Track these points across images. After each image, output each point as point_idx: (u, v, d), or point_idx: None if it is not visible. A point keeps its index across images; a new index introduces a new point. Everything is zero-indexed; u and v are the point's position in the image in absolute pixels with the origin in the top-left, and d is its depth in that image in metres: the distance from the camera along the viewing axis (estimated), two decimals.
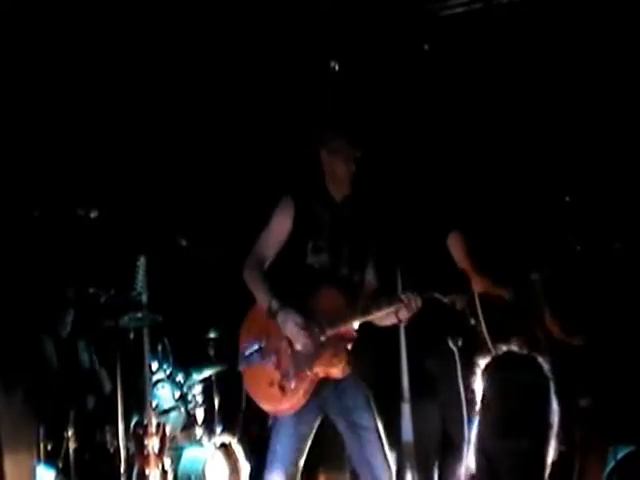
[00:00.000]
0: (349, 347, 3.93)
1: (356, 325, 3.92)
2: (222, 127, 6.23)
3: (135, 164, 6.14)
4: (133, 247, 5.58)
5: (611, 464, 4.65)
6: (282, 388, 3.83)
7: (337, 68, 6.42)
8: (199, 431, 5.60)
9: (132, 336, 5.60)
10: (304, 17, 5.92)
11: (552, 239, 5.13)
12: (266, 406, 3.93)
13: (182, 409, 5.63)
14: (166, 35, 5.76)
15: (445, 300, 3.82)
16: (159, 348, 5.75)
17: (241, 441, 5.61)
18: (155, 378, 5.62)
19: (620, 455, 4.65)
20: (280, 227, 4.03)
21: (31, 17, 5.30)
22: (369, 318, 3.90)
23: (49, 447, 5.23)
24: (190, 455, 5.46)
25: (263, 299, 3.93)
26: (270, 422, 4.01)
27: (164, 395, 5.61)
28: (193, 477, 5.32)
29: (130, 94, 5.96)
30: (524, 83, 5.90)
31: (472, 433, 4.57)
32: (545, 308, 5.00)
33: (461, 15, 6.05)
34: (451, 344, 4.65)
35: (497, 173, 5.76)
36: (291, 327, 3.83)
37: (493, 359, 4.65)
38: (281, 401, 3.85)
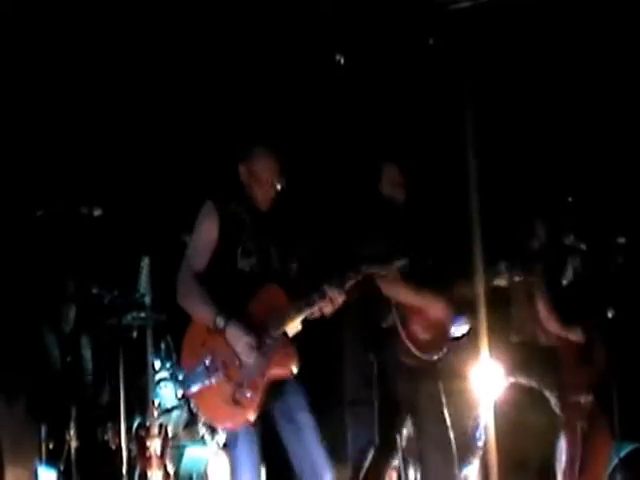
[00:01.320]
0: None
1: (299, 323, 3.90)
2: (227, 127, 6.28)
3: (138, 163, 6.20)
4: (136, 247, 5.65)
5: (614, 461, 4.69)
6: (237, 402, 3.79)
7: (342, 62, 6.47)
8: (201, 430, 5.66)
9: (135, 335, 5.67)
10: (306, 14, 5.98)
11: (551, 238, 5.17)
12: (226, 424, 3.92)
13: (185, 408, 5.70)
14: (168, 37, 5.82)
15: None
16: (162, 346, 5.82)
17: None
18: (158, 377, 5.71)
19: (624, 452, 4.69)
20: (208, 235, 3.96)
21: (31, 17, 5.36)
22: (303, 316, 3.88)
23: (51, 446, 5.31)
24: (192, 454, 5.55)
25: (207, 316, 3.86)
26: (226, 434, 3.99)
27: (167, 394, 5.70)
28: (195, 476, 5.40)
29: (134, 93, 6.02)
30: (530, 79, 5.93)
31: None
32: (541, 306, 5.05)
33: (468, 10, 6.07)
34: (371, 357, 4.64)
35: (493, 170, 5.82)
36: (241, 345, 3.80)
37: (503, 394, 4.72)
38: (239, 415, 3.81)
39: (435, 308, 4.58)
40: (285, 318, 3.85)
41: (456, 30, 6.07)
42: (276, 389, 3.89)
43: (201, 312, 3.88)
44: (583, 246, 5.20)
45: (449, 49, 6.10)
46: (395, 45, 6.23)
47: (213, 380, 3.83)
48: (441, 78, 6.22)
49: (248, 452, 3.86)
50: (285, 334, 3.87)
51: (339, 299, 3.83)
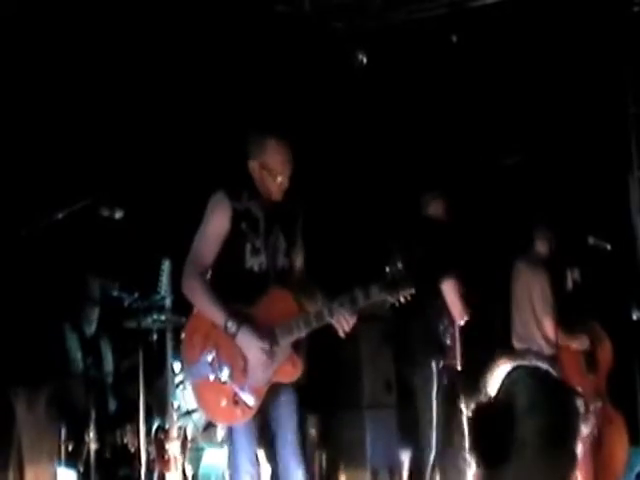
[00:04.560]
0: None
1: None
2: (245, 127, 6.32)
3: (159, 165, 6.26)
4: (157, 249, 5.70)
5: (638, 467, 4.68)
6: (237, 403, 3.79)
7: (364, 60, 6.51)
8: (220, 432, 5.68)
9: (155, 337, 5.71)
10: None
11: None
12: (222, 421, 3.92)
13: None
14: (177, 40, 5.89)
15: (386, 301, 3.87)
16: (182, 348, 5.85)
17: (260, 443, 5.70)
18: (177, 379, 5.74)
19: None
20: (219, 225, 3.89)
21: (37, 18, 5.44)
22: (311, 329, 3.84)
23: (70, 448, 5.38)
24: (211, 456, 5.60)
25: (217, 316, 3.82)
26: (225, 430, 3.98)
27: (186, 396, 5.72)
28: (213, 479, 5.43)
29: (156, 96, 6.10)
30: (551, 76, 5.94)
31: None
32: (546, 320, 5.11)
33: (489, 7, 6.09)
34: (433, 364, 5.02)
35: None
36: (254, 351, 3.78)
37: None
38: (237, 416, 3.82)
39: None
40: (293, 329, 3.83)
41: (479, 27, 6.09)
42: (275, 387, 3.88)
43: (210, 312, 3.85)
44: (608, 246, 5.21)
45: (472, 46, 6.13)
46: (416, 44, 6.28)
47: (217, 376, 3.82)
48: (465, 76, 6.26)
49: (247, 447, 3.86)
50: (291, 342, 3.86)
51: (349, 321, 3.79)
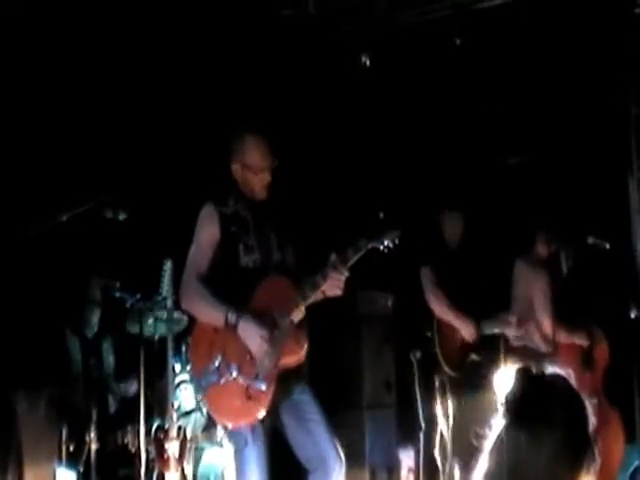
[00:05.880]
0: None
1: (303, 308, 3.96)
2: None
3: (162, 167, 6.32)
4: (159, 250, 5.75)
5: (635, 463, 4.70)
6: (250, 397, 3.84)
7: (368, 63, 6.54)
8: (220, 432, 5.71)
9: (156, 338, 5.76)
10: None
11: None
12: (240, 421, 3.91)
13: (204, 410, 5.78)
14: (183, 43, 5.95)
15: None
16: (183, 349, 5.92)
17: None
18: (178, 379, 5.81)
19: None
20: (209, 237, 4.04)
21: (37, 18, 5.50)
22: (310, 301, 3.94)
23: (71, 448, 5.43)
24: (210, 456, 5.66)
25: (217, 316, 3.91)
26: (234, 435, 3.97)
27: (186, 396, 5.81)
28: (212, 478, 5.47)
29: (160, 100, 6.15)
30: (554, 77, 5.96)
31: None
32: (545, 319, 5.14)
33: (494, 8, 6.11)
34: (411, 356, 5.25)
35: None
36: (254, 339, 3.85)
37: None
38: (253, 411, 3.86)
39: (465, 329, 5.36)
40: (292, 306, 3.93)
41: (484, 30, 6.11)
42: (284, 388, 3.94)
43: (210, 313, 3.95)
44: (607, 245, 5.23)
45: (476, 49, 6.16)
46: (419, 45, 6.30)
47: (227, 378, 3.87)
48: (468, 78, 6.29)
49: (257, 452, 3.88)
50: (291, 321, 3.94)
51: (340, 277, 3.89)
